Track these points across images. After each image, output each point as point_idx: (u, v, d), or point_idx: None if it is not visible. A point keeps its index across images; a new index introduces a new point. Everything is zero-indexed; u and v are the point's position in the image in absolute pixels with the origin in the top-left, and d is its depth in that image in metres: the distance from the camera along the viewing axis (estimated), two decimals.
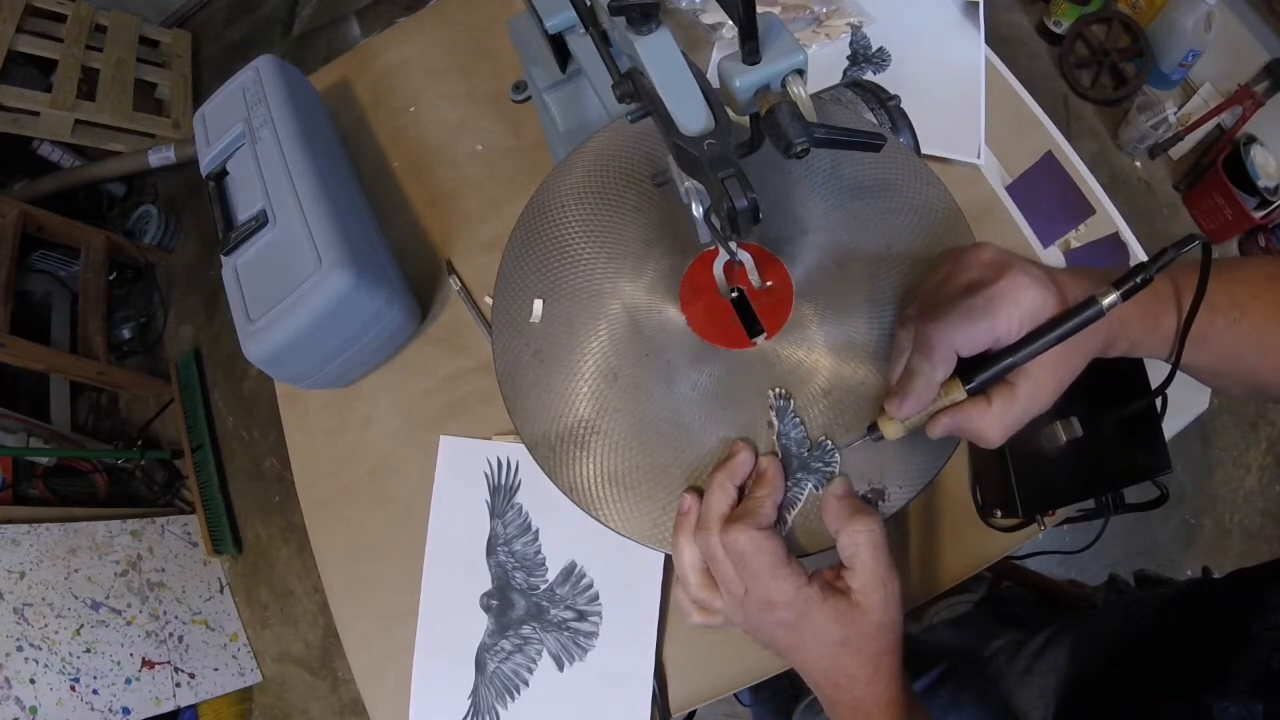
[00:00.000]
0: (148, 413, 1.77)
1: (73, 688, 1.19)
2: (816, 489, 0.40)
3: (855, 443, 0.39)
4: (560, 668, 0.58)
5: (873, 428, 0.38)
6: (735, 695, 0.61)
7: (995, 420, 0.34)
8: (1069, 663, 0.53)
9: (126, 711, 1.24)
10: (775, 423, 0.42)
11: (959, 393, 0.34)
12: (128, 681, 1.27)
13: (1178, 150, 1.60)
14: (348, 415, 0.69)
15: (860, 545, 0.36)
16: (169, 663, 1.35)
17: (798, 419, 0.42)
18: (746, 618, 0.38)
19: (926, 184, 0.47)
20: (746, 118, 0.37)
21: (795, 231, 0.47)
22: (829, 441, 0.41)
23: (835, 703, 0.38)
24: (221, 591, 1.57)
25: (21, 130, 1.68)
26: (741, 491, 0.40)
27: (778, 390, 0.43)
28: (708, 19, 0.77)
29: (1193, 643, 0.46)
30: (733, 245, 0.41)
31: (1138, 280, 0.31)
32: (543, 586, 0.60)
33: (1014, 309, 0.32)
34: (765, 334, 0.44)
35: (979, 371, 0.34)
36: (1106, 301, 0.32)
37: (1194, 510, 1.37)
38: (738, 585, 0.37)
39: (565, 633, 0.59)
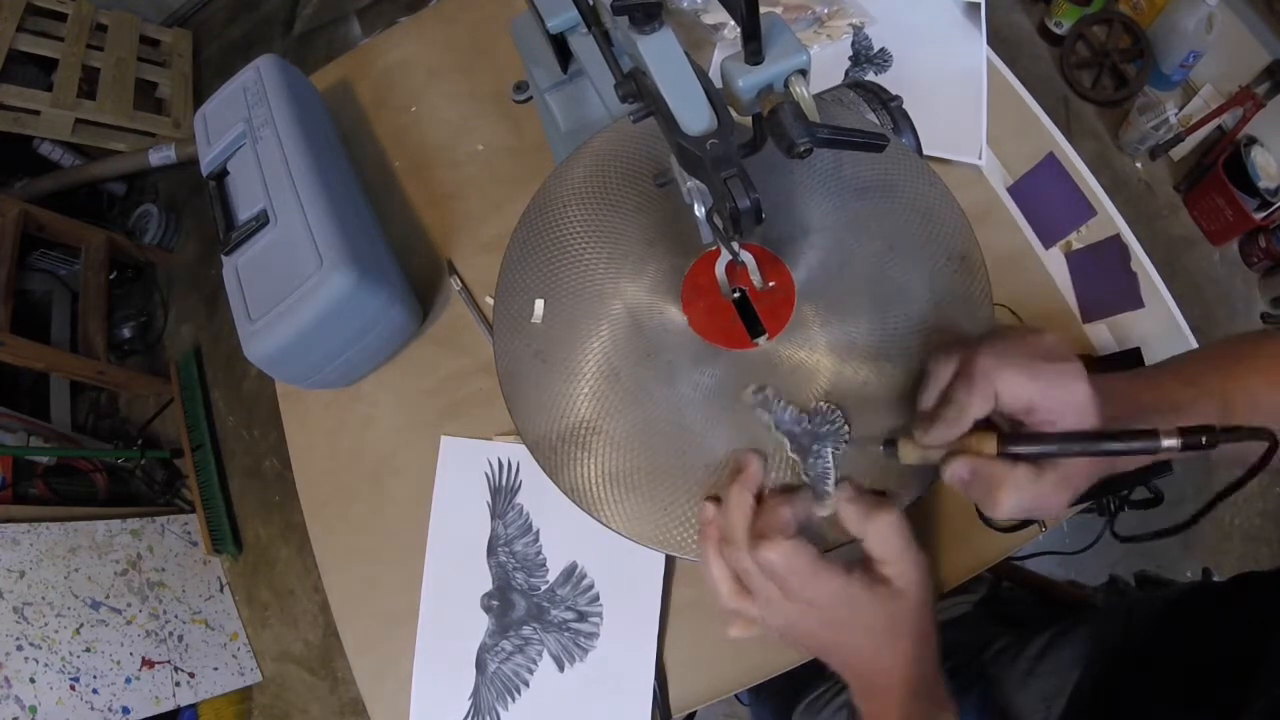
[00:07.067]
0: (148, 412, 1.77)
1: (72, 687, 1.18)
2: (838, 450, 0.40)
3: (872, 446, 0.40)
4: (561, 668, 0.58)
5: (890, 444, 0.38)
6: (735, 695, 0.61)
7: (1012, 488, 0.33)
8: (1071, 665, 0.53)
9: (126, 711, 1.24)
10: (766, 417, 0.42)
11: (990, 446, 0.34)
12: (127, 681, 1.27)
13: (1178, 151, 1.60)
14: (348, 415, 0.69)
15: (889, 537, 0.36)
16: (169, 662, 1.35)
17: (782, 401, 0.42)
18: (788, 623, 0.38)
19: (928, 185, 0.47)
20: (749, 118, 0.37)
21: (797, 232, 0.47)
22: (823, 404, 0.41)
23: (883, 689, 0.38)
24: (221, 591, 1.57)
25: (22, 129, 1.68)
26: (759, 498, 0.39)
27: (751, 388, 0.43)
28: (709, 19, 0.77)
29: (1206, 656, 0.45)
30: (735, 245, 0.41)
31: (1203, 440, 0.31)
32: (543, 587, 0.60)
33: (1063, 389, 0.33)
34: (767, 334, 0.44)
35: (1018, 444, 0.34)
36: (1165, 444, 0.31)
37: (1194, 512, 1.36)
38: (775, 592, 0.37)
39: (566, 633, 0.59)
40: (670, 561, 0.58)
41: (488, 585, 0.61)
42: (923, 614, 0.37)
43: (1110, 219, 0.68)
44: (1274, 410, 0.37)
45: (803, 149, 0.32)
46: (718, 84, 0.37)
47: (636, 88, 0.38)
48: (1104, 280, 0.65)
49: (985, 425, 0.35)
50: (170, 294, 1.90)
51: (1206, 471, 1.39)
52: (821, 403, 0.42)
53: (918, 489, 0.40)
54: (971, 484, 0.35)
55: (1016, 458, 0.34)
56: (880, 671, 0.38)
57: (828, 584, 0.36)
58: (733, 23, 0.71)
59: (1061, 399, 0.33)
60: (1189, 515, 0.37)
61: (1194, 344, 0.63)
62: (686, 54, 0.36)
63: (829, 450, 0.40)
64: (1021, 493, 0.34)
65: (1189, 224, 1.57)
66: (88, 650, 1.24)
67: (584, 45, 0.57)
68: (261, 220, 0.61)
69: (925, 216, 0.46)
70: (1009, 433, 0.34)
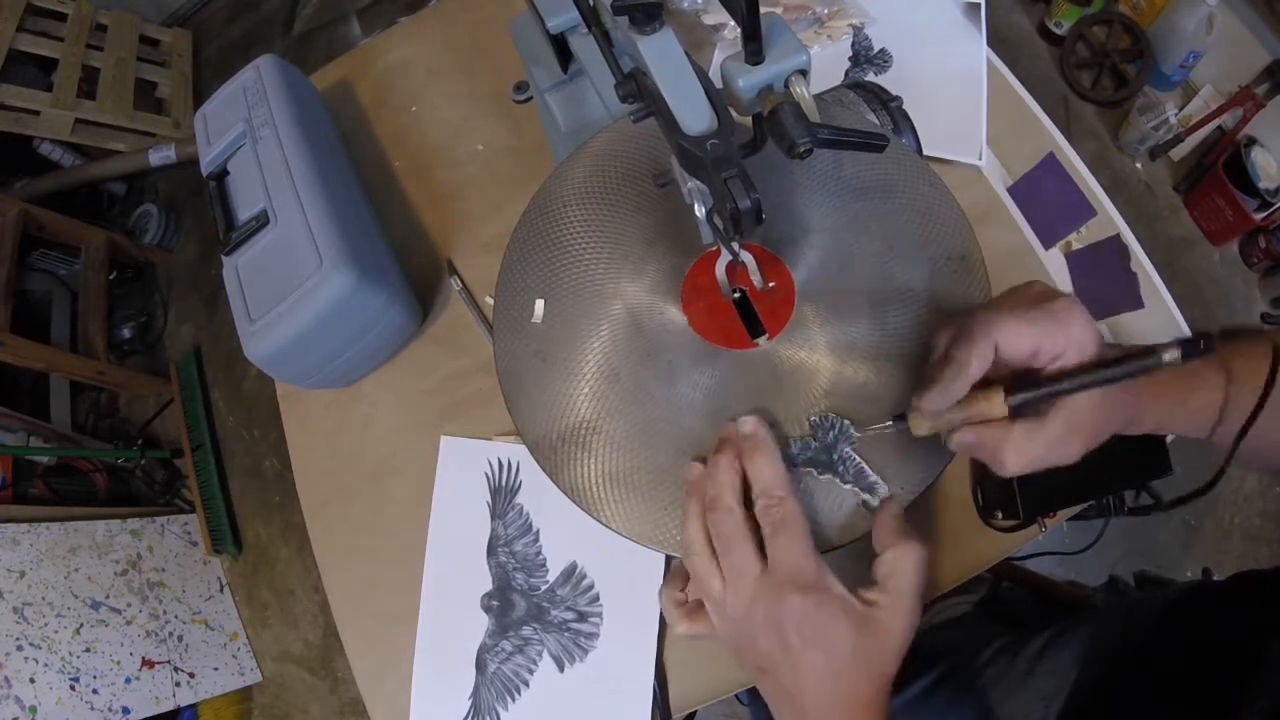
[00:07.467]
0: (148, 412, 1.77)
1: (72, 687, 1.18)
2: (854, 444, 0.40)
3: (882, 428, 0.39)
4: (561, 668, 0.58)
5: (900, 418, 0.38)
6: (735, 695, 0.61)
7: (1012, 448, 0.34)
8: (1071, 665, 0.53)
9: (126, 711, 1.24)
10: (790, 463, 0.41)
11: (999, 406, 0.34)
12: (127, 681, 1.27)
13: (1178, 152, 1.60)
14: (348, 415, 0.69)
15: (906, 568, 0.36)
16: (169, 662, 1.35)
17: (787, 440, 0.41)
18: (750, 609, 0.35)
19: (928, 185, 0.47)
20: (749, 118, 0.37)
21: (797, 232, 0.47)
22: (815, 417, 0.41)
23: None
24: (221, 591, 1.57)
25: (22, 129, 1.68)
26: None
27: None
28: (710, 19, 0.77)
29: (1206, 656, 0.45)
30: (735, 245, 0.41)
31: (1201, 345, 0.30)
32: (543, 587, 0.60)
33: (1061, 326, 0.33)
34: (767, 335, 0.44)
35: (1023, 391, 0.34)
36: (1167, 356, 0.31)
37: (1194, 511, 1.36)
38: (752, 565, 0.35)
39: (566, 633, 0.59)
40: (670, 561, 0.58)
41: (488, 585, 0.61)
42: (890, 662, 0.35)
43: (1110, 219, 0.68)
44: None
45: (803, 149, 0.32)
46: (718, 84, 0.37)
47: (637, 88, 0.38)
48: (1104, 280, 0.65)
49: (986, 385, 0.35)
50: (170, 294, 1.90)
51: (1209, 472, 1.39)
52: (813, 416, 0.42)
53: (912, 492, 0.40)
54: (978, 449, 0.35)
55: (1019, 412, 0.34)
56: (823, 703, 0.35)
57: (814, 569, 0.35)
58: (733, 23, 0.71)
59: (1061, 335, 0.33)
60: (1184, 493, 0.36)
61: None
62: (687, 54, 0.36)
63: (848, 449, 0.40)
64: (1023, 449, 0.34)
65: (1189, 224, 1.57)
66: (88, 650, 1.24)
67: (584, 45, 0.57)
68: (261, 220, 0.61)
69: (925, 216, 0.46)
70: (1011, 384, 0.34)
